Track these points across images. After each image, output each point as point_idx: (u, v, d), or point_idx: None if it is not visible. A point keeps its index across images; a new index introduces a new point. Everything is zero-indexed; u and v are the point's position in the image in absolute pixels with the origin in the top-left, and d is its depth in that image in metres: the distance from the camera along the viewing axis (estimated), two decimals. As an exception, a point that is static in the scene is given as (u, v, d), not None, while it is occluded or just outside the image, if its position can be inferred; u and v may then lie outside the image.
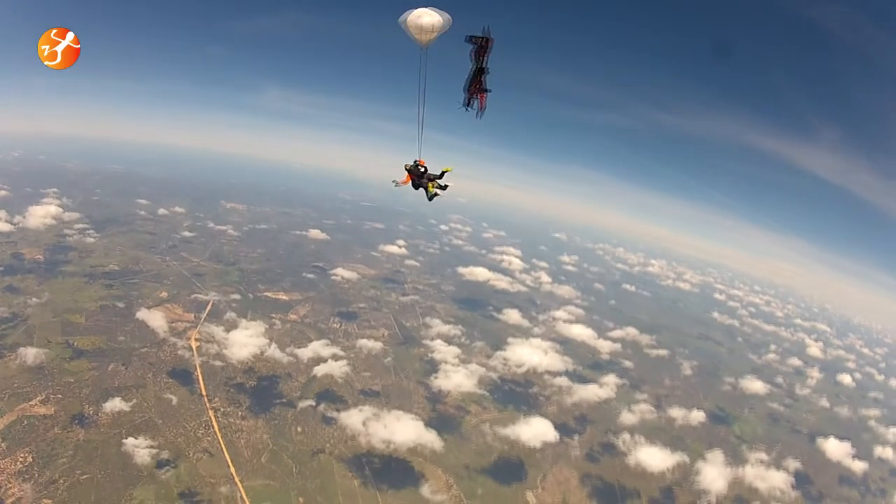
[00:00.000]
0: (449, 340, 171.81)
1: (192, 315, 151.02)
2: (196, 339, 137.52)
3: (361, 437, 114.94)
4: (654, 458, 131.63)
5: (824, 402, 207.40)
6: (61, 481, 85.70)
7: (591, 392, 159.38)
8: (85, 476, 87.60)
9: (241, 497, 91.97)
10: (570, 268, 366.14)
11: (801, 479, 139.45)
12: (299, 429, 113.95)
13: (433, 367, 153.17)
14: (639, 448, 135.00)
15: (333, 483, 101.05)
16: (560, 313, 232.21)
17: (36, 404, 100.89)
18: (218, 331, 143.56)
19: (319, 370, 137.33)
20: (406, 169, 33.19)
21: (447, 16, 27.51)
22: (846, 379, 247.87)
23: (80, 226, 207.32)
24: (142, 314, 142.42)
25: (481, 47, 27.66)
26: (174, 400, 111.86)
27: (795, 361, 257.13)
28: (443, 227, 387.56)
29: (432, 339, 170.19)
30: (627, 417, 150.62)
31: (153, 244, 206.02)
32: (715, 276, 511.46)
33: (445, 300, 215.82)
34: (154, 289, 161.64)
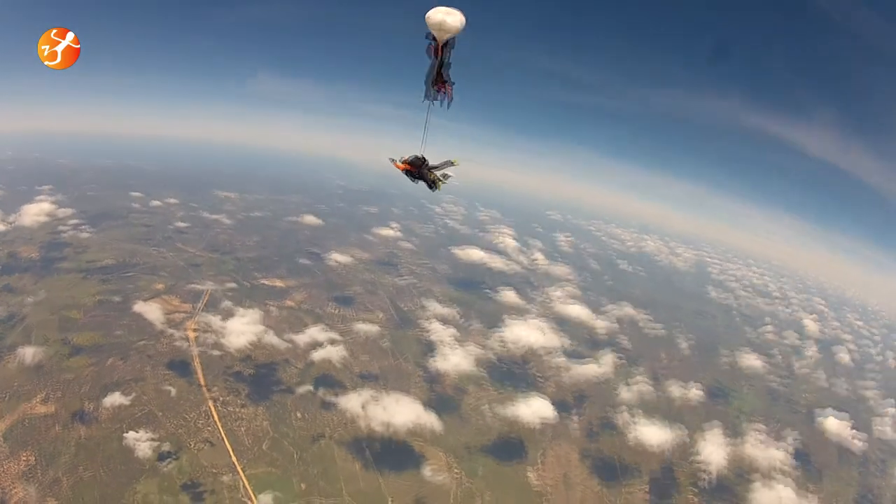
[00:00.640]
0: (445, 321, 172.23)
1: (189, 305, 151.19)
2: (193, 330, 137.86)
3: (361, 420, 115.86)
4: (654, 434, 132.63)
5: (822, 377, 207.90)
6: (65, 480, 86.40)
7: (588, 370, 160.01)
8: (88, 473, 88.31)
9: (244, 485, 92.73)
10: (564, 247, 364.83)
11: (800, 455, 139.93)
12: (299, 415, 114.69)
13: (430, 348, 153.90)
14: (638, 424, 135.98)
15: (335, 468, 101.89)
16: (556, 292, 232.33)
17: (36, 404, 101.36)
18: (215, 320, 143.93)
19: (317, 355, 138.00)
20: (405, 160, 33.11)
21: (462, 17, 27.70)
22: (843, 354, 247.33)
23: (75, 221, 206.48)
24: (138, 307, 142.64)
25: (443, 43, 27.69)
26: (173, 391, 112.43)
27: (792, 336, 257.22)
28: (436, 208, 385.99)
29: (429, 321, 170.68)
30: (626, 394, 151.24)
31: (148, 237, 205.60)
32: (710, 252, 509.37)
33: (441, 281, 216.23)
34: (150, 281, 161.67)
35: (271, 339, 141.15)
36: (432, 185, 33.15)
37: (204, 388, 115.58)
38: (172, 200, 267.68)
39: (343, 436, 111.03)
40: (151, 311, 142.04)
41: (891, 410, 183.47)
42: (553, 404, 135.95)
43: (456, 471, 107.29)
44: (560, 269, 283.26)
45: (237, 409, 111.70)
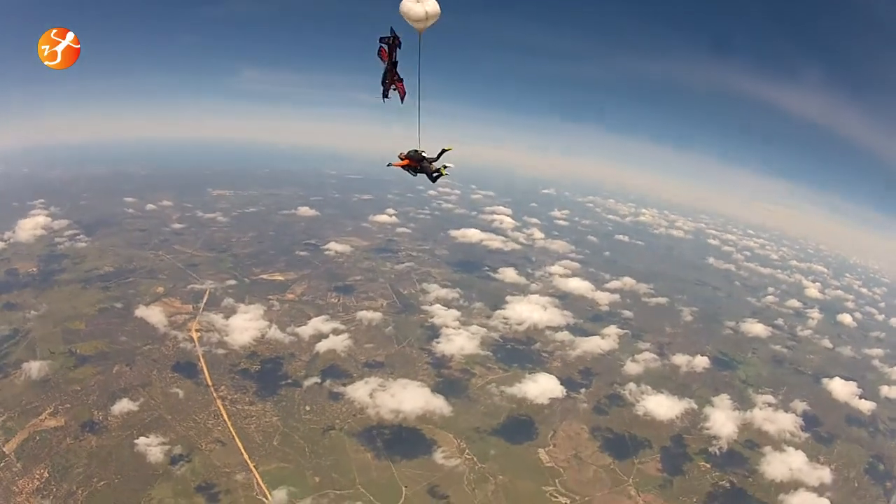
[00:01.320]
0: (448, 304, 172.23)
1: (191, 306, 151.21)
2: (196, 330, 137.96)
3: (370, 409, 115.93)
4: (662, 406, 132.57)
5: (826, 343, 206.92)
6: (79, 492, 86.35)
7: (593, 344, 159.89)
8: (102, 482, 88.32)
9: (258, 482, 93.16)
10: (561, 222, 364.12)
11: (809, 421, 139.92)
12: (307, 408, 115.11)
13: (434, 332, 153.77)
14: (646, 397, 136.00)
15: (347, 458, 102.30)
16: (556, 268, 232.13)
17: (46, 418, 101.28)
18: (217, 319, 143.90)
19: (322, 346, 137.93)
20: (403, 156, 33.39)
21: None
22: (847, 319, 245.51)
23: (71, 232, 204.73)
24: (140, 312, 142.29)
25: (392, 46, 29.51)
26: (181, 394, 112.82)
27: (795, 303, 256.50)
28: (431, 192, 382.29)
29: (431, 305, 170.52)
30: (632, 367, 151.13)
31: (145, 241, 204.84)
32: (707, 221, 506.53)
33: (440, 264, 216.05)
34: (150, 285, 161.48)
35: (275, 333, 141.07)
36: (434, 176, 33.67)
37: (211, 388, 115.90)
38: (166, 202, 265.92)
39: (353, 426, 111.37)
40: (154, 314, 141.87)
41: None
42: (560, 381, 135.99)
43: (468, 454, 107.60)
44: (558, 245, 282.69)
45: (246, 407, 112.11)
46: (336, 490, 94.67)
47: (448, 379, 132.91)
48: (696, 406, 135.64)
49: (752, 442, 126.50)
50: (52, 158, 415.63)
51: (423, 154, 33.31)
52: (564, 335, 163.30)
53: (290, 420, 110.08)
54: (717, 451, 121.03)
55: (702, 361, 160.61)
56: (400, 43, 29.48)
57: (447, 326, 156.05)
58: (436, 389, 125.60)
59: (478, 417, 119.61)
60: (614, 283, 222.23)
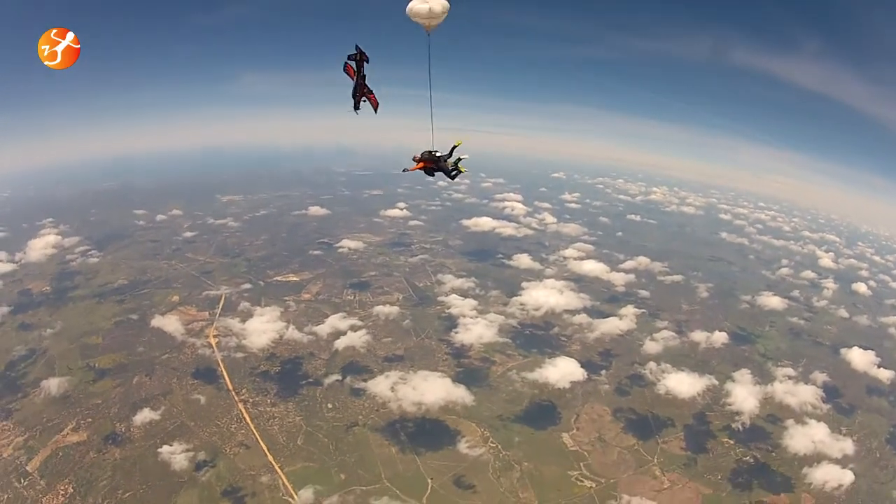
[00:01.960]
0: (464, 294, 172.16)
1: (207, 313, 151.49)
2: (214, 336, 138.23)
3: (392, 403, 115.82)
4: (683, 384, 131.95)
5: (843, 313, 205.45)
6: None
7: (611, 325, 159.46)
8: (127, 493, 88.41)
9: (283, 483, 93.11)
10: (573, 205, 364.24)
11: (830, 392, 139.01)
12: (330, 405, 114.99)
13: (452, 322, 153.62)
14: (666, 376, 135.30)
15: (371, 454, 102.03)
16: (570, 251, 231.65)
17: (68, 433, 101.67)
18: (234, 323, 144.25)
19: (340, 343, 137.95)
20: (417, 159, 33.61)
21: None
22: (861, 288, 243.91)
23: (82, 248, 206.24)
24: (157, 322, 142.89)
25: (359, 62, 30.57)
26: (202, 400, 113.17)
27: (809, 274, 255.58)
28: (441, 182, 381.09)
29: (447, 295, 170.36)
30: (651, 346, 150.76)
31: (157, 251, 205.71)
32: (718, 196, 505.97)
33: (454, 255, 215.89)
34: (165, 294, 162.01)
35: (293, 333, 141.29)
36: (452, 173, 33.96)
37: (232, 392, 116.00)
38: (177, 212, 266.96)
39: (376, 421, 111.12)
40: (170, 323, 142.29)
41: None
42: (580, 364, 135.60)
43: (492, 443, 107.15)
44: (571, 228, 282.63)
45: (268, 409, 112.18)
46: (362, 486, 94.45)
47: (468, 368, 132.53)
48: (716, 382, 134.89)
49: (775, 416, 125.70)
50: (57, 178, 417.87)
51: (437, 153, 33.60)
52: (582, 318, 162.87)
53: (313, 419, 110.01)
54: (740, 427, 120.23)
55: (720, 337, 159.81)
56: (367, 58, 30.41)
57: (464, 316, 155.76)
58: (457, 379, 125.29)
59: (500, 405, 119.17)
60: (629, 263, 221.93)
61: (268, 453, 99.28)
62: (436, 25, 28.45)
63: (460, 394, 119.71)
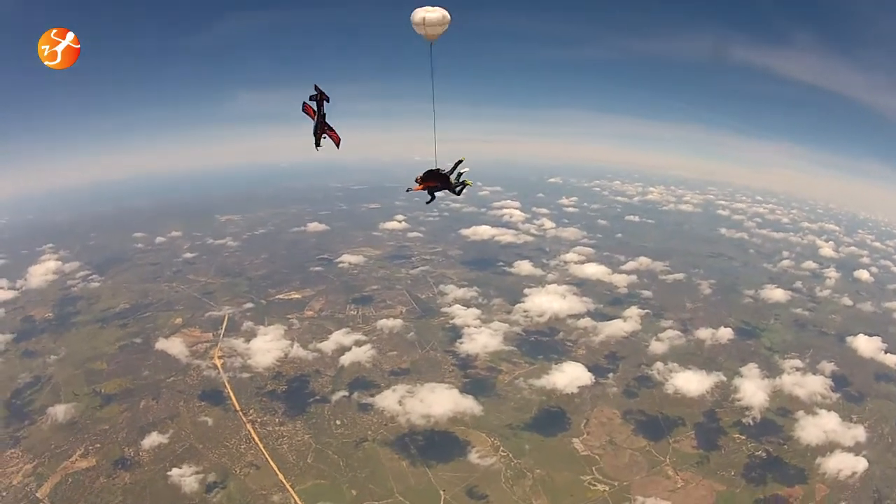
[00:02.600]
0: (467, 303, 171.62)
1: (211, 334, 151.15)
2: (219, 357, 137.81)
3: (400, 416, 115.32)
4: (691, 382, 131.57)
5: (846, 301, 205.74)
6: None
7: (616, 328, 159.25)
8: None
9: (295, 501, 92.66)
10: (571, 209, 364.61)
11: (838, 381, 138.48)
12: (338, 422, 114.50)
13: (456, 333, 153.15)
14: (674, 375, 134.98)
15: (382, 469, 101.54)
16: (570, 255, 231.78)
17: (76, 459, 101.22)
18: (238, 343, 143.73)
19: (346, 359, 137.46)
20: (420, 180, 34.37)
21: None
22: (864, 275, 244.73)
23: (83, 273, 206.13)
24: (161, 345, 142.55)
25: (319, 102, 31.23)
26: (210, 421, 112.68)
27: (811, 264, 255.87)
28: (438, 193, 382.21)
29: (450, 306, 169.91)
30: (657, 346, 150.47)
31: (158, 274, 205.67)
32: (715, 192, 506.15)
33: (455, 265, 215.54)
34: (168, 317, 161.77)
35: (297, 351, 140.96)
36: (458, 189, 34.03)
37: (240, 413, 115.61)
38: (175, 233, 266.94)
39: (385, 435, 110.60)
40: (174, 346, 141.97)
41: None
42: (587, 368, 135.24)
43: (503, 451, 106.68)
44: (570, 233, 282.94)
45: (276, 428, 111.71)
46: (374, 501, 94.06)
47: (475, 378, 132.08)
48: (724, 378, 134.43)
49: (785, 409, 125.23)
50: (56, 203, 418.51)
51: (440, 170, 34.08)
52: (586, 322, 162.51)
53: (322, 436, 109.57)
54: (751, 422, 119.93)
55: (725, 333, 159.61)
56: (328, 98, 31.08)
57: (469, 326, 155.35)
58: (464, 390, 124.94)
59: (509, 414, 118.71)
60: (630, 265, 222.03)
61: (278, 472, 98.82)
62: (438, 36, 28.34)
63: (468, 404, 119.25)
